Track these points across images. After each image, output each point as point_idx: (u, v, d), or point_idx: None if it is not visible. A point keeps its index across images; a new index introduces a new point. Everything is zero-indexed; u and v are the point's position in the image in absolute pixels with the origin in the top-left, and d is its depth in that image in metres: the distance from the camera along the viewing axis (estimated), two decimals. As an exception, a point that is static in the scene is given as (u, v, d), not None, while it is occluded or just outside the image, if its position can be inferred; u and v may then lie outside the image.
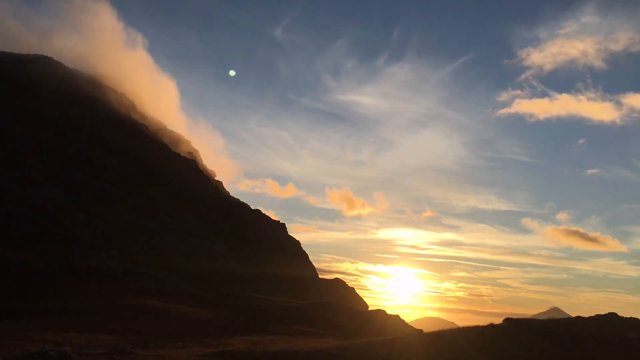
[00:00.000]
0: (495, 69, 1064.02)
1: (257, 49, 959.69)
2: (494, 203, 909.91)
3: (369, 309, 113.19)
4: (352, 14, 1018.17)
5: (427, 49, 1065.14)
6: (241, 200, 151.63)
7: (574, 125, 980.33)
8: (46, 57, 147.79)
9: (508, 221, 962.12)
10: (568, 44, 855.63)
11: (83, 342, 32.70)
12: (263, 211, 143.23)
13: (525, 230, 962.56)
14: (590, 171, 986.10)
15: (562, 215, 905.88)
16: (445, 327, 40.71)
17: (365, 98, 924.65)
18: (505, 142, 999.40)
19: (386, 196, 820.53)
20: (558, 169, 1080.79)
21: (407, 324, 77.12)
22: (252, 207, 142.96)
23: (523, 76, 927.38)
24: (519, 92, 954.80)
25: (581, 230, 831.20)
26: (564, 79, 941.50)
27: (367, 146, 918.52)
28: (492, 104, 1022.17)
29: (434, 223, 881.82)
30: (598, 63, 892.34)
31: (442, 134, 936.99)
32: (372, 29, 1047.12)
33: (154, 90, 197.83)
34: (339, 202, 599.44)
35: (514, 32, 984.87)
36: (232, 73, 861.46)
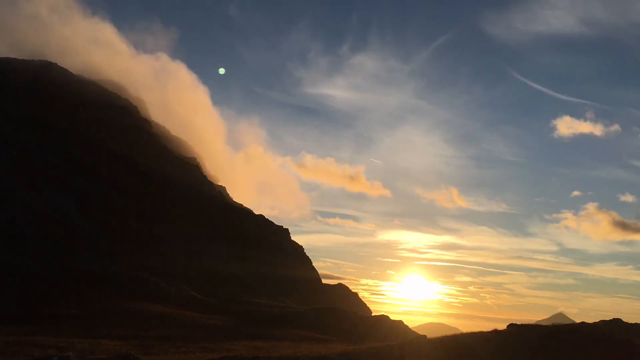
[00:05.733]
0: (473, 54, 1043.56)
1: (214, 32, 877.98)
2: (486, 204, 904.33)
3: (373, 314, 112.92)
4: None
5: (391, 34, 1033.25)
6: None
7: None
8: (51, 63, 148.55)
9: (507, 223, 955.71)
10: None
11: (87, 348, 32.68)
12: (266, 216, 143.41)
13: (527, 233, 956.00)
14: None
15: (563, 215, 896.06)
16: (449, 333, 40.56)
17: (336, 91, 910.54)
18: (490, 137, 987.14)
19: (376, 197, 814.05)
20: (549, 166, 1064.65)
21: (411, 329, 76.92)
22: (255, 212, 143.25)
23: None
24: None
25: (617, 216, 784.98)
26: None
27: (347, 143, 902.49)
28: (472, 95, 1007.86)
29: (431, 225, 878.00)
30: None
31: (421, 129, 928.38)
32: (332, 11, 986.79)
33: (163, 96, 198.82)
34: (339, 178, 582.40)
35: (484, 14, 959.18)
36: (221, 71, 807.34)
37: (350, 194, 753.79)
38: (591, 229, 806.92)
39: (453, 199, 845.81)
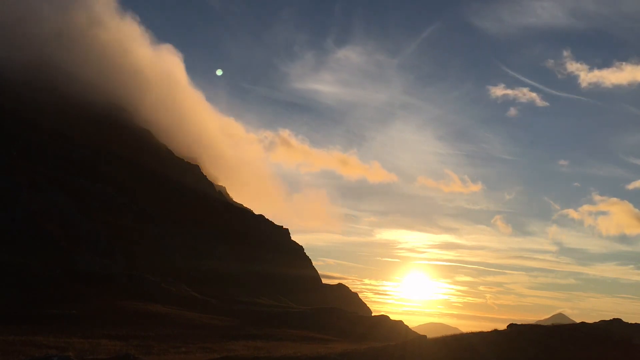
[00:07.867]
0: (461, 47, 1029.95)
1: (195, 23, 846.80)
2: (484, 203, 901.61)
3: (372, 314, 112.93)
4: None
5: (375, 26, 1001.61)
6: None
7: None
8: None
9: (506, 222, 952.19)
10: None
11: (86, 348, 32.67)
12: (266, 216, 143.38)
13: (527, 232, 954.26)
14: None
15: (564, 212, 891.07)
16: (449, 333, 40.54)
17: (324, 86, 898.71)
18: (485, 134, 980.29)
19: (372, 196, 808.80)
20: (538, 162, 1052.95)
21: (411, 329, 76.84)
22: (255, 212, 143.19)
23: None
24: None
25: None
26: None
27: (339, 141, 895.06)
28: (463, 90, 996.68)
29: (429, 224, 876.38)
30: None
31: (413, 125, 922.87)
32: (314, 1, 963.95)
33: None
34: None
35: (470, 5, 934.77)
36: (219, 72, 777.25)
37: (349, 189, 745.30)
38: (595, 225, 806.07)
39: (446, 197, 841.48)
